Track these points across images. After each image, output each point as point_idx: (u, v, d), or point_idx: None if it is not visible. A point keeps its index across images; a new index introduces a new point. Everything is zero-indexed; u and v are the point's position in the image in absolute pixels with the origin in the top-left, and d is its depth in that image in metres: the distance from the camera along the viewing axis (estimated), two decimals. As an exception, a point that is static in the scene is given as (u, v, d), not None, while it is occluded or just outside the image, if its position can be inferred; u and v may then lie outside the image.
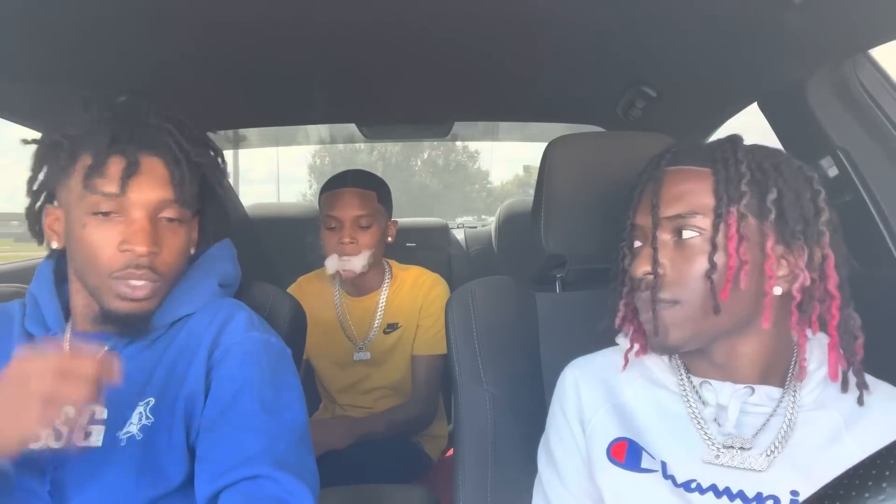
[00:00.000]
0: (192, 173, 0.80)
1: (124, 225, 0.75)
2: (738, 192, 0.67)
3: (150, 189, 0.76)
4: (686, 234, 0.69)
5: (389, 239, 1.55)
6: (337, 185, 1.48)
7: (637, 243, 0.74)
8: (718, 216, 0.67)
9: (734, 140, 0.73)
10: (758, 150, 0.72)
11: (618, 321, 0.78)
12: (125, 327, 0.78)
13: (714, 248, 0.67)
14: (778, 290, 0.68)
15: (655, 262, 0.69)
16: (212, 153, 0.86)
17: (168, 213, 0.78)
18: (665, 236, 0.70)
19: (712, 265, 0.66)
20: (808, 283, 0.67)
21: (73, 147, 0.76)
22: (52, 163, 0.77)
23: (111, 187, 0.74)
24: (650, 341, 0.72)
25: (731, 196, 0.67)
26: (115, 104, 0.79)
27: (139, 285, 0.76)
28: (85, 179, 0.74)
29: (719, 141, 0.74)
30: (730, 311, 0.67)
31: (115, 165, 0.74)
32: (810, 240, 0.68)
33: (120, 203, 0.75)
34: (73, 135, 0.76)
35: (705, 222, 0.68)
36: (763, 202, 0.68)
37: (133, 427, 0.74)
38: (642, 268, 0.70)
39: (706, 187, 0.69)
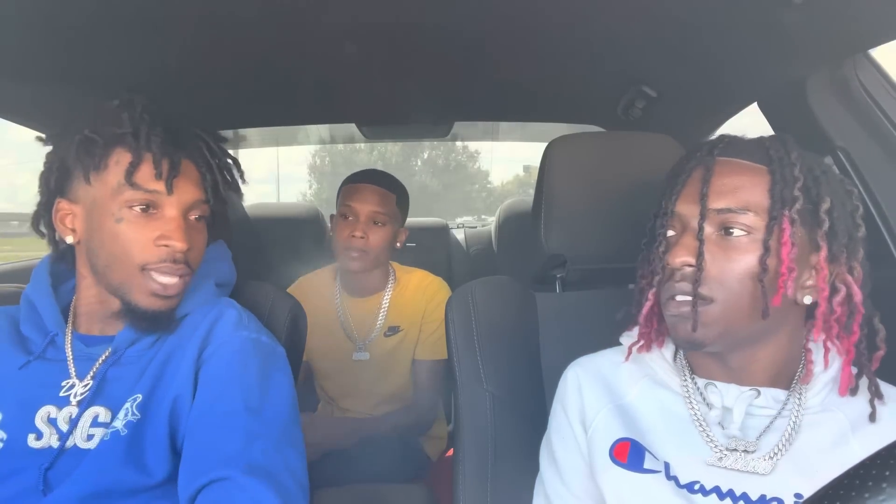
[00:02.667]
0: (220, 176, 0.85)
1: (162, 221, 0.78)
2: (791, 195, 0.65)
3: (188, 189, 0.81)
4: (734, 230, 0.66)
5: (398, 245, 1.55)
6: (361, 179, 1.51)
7: (671, 232, 0.72)
8: (773, 218, 0.65)
9: (786, 140, 0.70)
10: (805, 154, 0.70)
11: (644, 311, 0.75)
12: (152, 324, 0.80)
13: (767, 250, 0.64)
14: (808, 300, 0.67)
15: (701, 255, 0.66)
16: (230, 160, 0.90)
17: (197, 212, 0.82)
18: (709, 229, 0.67)
19: (764, 268, 0.64)
20: (859, 297, 0.66)
21: (108, 143, 0.79)
22: (85, 158, 0.79)
23: (158, 185, 0.78)
24: (673, 335, 0.70)
25: (786, 199, 0.65)
26: (150, 106, 0.82)
27: (172, 283, 0.79)
28: (127, 176, 0.77)
29: (771, 138, 0.71)
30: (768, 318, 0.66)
31: (163, 165, 0.78)
32: (852, 255, 0.67)
33: (159, 200, 0.78)
34: (108, 132, 0.79)
35: (756, 221, 0.66)
36: (816, 211, 0.66)
37: (118, 423, 0.75)
38: (681, 257, 0.67)
39: (760, 185, 0.67)
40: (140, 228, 0.78)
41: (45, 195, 0.83)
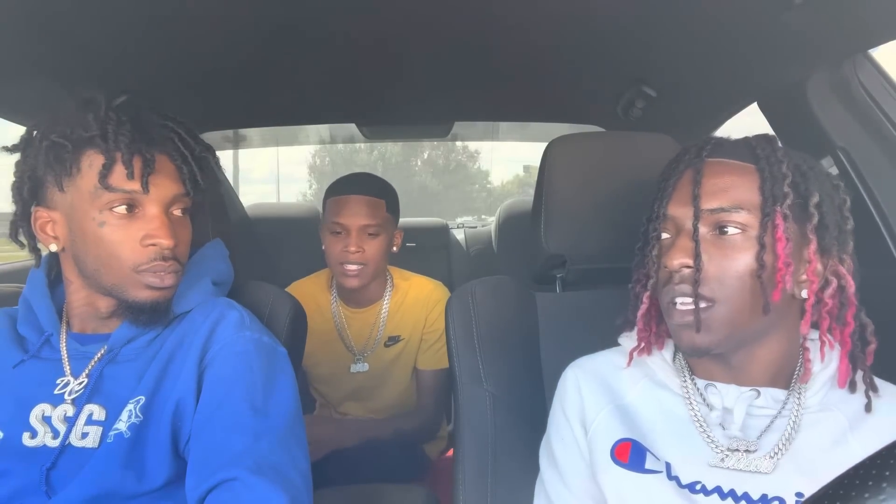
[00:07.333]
0: (198, 168, 0.83)
1: (144, 220, 0.77)
2: (781, 192, 0.66)
3: (166, 185, 0.79)
4: (728, 229, 0.67)
5: (395, 249, 1.48)
6: (346, 190, 1.41)
7: (665, 235, 0.72)
8: (766, 215, 0.66)
9: (771, 139, 0.71)
10: (791, 152, 0.71)
11: (640, 314, 0.75)
12: (151, 315, 0.80)
13: (763, 247, 0.65)
14: (805, 294, 0.68)
15: (698, 256, 0.67)
16: (206, 150, 0.87)
17: (179, 206, 0.81)
18: (703, 229, 0.68)
19: (761, 264, 0.65)
20: (851, 288, 0.67)
21: (77, 147, 0.77)
22: (56, 165, 0.77)
23: (134, 185, 0.76)
24: (676, 341, 0.70)
25: (777, 196, 0.66)
26: (116, 104, 0.80)
27: (167, 275, 0.79)
28: (101, 179, 0.75)
29: (756, 138, 0.72)
30: (769, 314, 0.66)
31: (136, 164, 0.77)
32: (842, 247, 0.68)
33: (138, 199, 0.77)
34: (76, 135, 0.76)
35: (749, 219, 0.66)
36: (805, 206, 0.67)
37: (122, 424, 0.74)
38: (679, 259, 0.67)
39: (750, 183, 0.68)
40: (124, 230, 0.76)
41: (19, 205, 0.81)
